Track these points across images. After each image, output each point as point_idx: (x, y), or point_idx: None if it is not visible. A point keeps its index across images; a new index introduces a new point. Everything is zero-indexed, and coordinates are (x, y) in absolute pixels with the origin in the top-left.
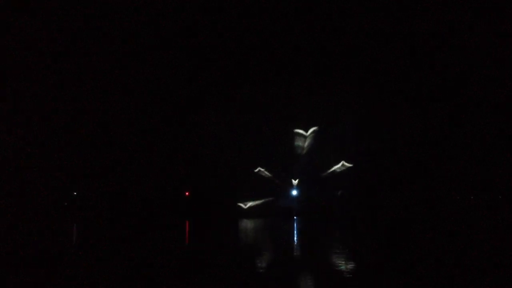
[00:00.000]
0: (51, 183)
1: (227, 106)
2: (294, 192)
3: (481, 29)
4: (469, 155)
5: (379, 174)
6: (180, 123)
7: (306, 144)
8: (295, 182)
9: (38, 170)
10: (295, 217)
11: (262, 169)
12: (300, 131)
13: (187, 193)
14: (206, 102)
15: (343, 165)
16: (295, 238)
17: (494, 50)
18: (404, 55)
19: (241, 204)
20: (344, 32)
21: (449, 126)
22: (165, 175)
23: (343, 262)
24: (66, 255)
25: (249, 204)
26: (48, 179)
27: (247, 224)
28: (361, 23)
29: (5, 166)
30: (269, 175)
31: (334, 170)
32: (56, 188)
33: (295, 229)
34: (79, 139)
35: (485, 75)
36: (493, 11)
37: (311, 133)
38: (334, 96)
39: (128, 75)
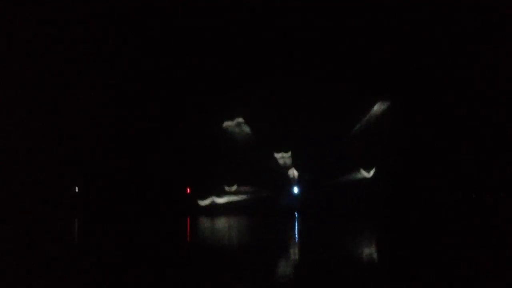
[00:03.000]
0: (52, 178)
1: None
2: (296, 190)
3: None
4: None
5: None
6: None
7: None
8: (294, 173)
9: (39, 166)
10: (296, 215)
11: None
12: None
13: (188, 190)
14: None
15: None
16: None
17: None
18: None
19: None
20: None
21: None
22: (166, 171)
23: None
24: (66, 251)
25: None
26: (50, 175)
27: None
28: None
29: (6, 160)
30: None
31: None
32: (57, 183)
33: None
34: (81, 137)
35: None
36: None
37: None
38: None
39: (131, 72)
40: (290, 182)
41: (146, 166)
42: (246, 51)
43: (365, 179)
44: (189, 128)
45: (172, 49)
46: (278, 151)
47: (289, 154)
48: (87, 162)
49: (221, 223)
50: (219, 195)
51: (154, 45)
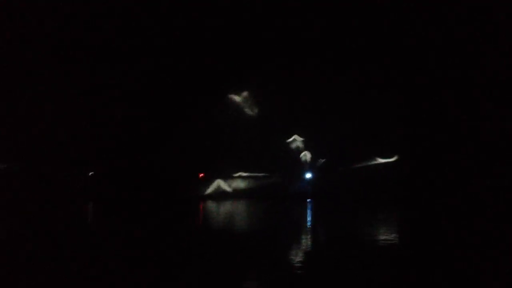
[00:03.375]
0: (67, 163)
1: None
2: (308, 175)
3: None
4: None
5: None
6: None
7: None
8: (306, 155)
9: (54, 152)
10: (308, 200)
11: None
12: None
13: (201, 175)
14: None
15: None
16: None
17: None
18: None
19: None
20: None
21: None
22: (181, 157)
23: None
24: (80, 235)
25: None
26: (64, 160)
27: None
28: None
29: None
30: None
31: None
32: (72, 168)
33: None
34: (95, 122)
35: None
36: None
37: None
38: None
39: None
40: (303, 167)
41: (154, 157)
42: (246, 50)
43: (377, 166)
44: (196, 118)
45: (172, 49)
46: (290, 136)
47: (301, 138)
48: (92, 161)
49: (232, 209)
50: (228, 181)
51: (154, 45)
